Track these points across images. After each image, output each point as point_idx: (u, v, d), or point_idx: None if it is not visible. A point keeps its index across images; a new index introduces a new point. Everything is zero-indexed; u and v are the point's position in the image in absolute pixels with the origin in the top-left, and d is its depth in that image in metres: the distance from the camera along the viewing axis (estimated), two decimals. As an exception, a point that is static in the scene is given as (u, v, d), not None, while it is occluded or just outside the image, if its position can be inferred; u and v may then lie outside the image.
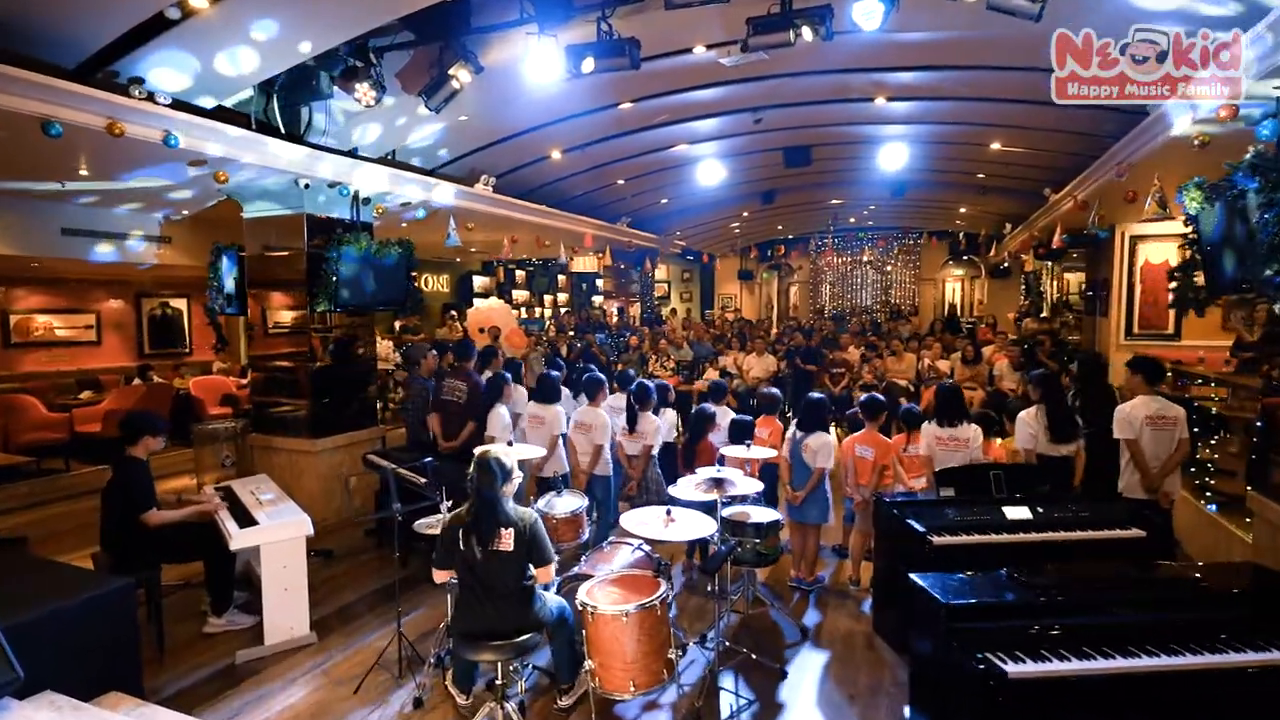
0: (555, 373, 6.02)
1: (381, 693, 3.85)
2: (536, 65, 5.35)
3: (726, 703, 3.70)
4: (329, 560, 5.74)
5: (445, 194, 7.74)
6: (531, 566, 3.23)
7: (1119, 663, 2.57)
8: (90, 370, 10.49)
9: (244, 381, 10.81)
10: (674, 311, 18.82)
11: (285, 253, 6.73)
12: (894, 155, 9.26)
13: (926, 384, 9.84)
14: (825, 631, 4.53)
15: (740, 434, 5.24)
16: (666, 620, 3.42)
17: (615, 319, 16.37)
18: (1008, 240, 13.96)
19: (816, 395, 5.39)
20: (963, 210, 14.45)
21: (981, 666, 2.54)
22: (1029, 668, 2.53)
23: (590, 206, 11.28)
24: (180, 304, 11.85)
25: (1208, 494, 5.57)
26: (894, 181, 11.62)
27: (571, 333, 13.24)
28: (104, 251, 8.34)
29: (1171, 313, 10.25)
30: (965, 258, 19.32)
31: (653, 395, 5.53)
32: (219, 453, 6.65)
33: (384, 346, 8.83)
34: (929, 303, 19.90)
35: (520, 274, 18.18)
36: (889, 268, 20.22)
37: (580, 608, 3.42)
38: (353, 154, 6.69)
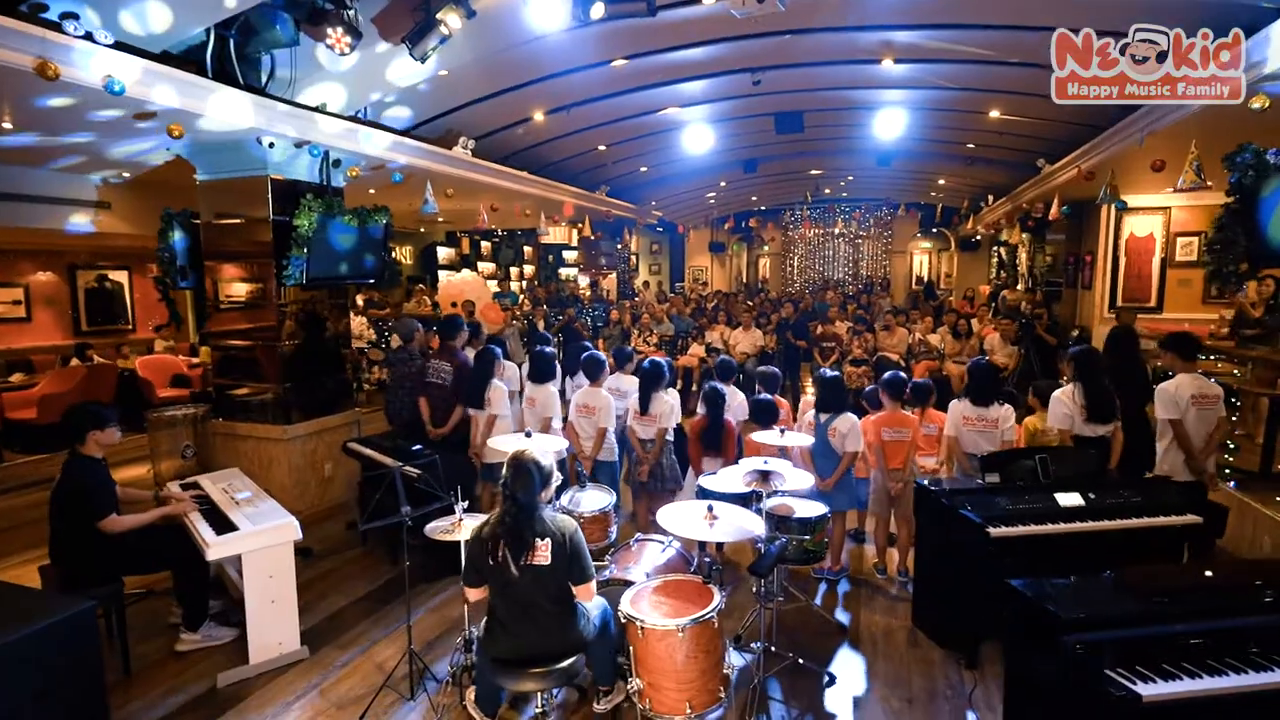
0: (550, 349, 5.57)
1: (392, 718, 3.43)
2: (537, 11, 4.82)
3: (777, 714, 3.40)
4: (309, 560, 5.22)
5: (422, 157, 7.11)
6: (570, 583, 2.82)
7: (1256, 678, 2.32)
8: (20, 350, 9.54)
9: (195, 361, 10.02)
10: (646, 284, 18.35)
11: (247, 220, 6.05)
12: (890, 122, 8.93)
13: (918, 358, 9.71)
14: (863, 627, 4.26)
15: (764, 416, 4.90)
16: (722, 633, 3.07)
17: (589, 292, 15.84)
18: (985, 212, 13.90)
19: (833, 373, 5.07)
20: (941, 181, 14.32)
21: (1113, 690, 2.25)
22: (1163, 689, 2.26)
23: (569, 174, 10.70)
24: (121, 276, 10.87)
25: (1227, 471, 5.49)
26: (881, 150, 11.33)
27: (545, 306, 12.71)
28: (31, 218, 7.45)
29: (1154, 285, 10.36)
30: (935, 230, 19.34)
31: (665, 374, 5.14)
32: (177, 442, 6.00)
33: (357, 323, 8.18)
34: (899, 275, 19.92)
35: (486, 245, 17.46)
36: (859, 239, 20.13)
37: (624, 621, 3.04)
38: (320, 110, 6.01)
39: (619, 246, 17.12)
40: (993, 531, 3.63)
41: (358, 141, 6.25)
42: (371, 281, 6.76)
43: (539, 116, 8.30)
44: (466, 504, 3.45)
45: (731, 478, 3.66)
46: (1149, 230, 10.16)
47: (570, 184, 10.67)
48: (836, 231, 19.81)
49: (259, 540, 3.75)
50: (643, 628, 2.94)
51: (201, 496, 4.34)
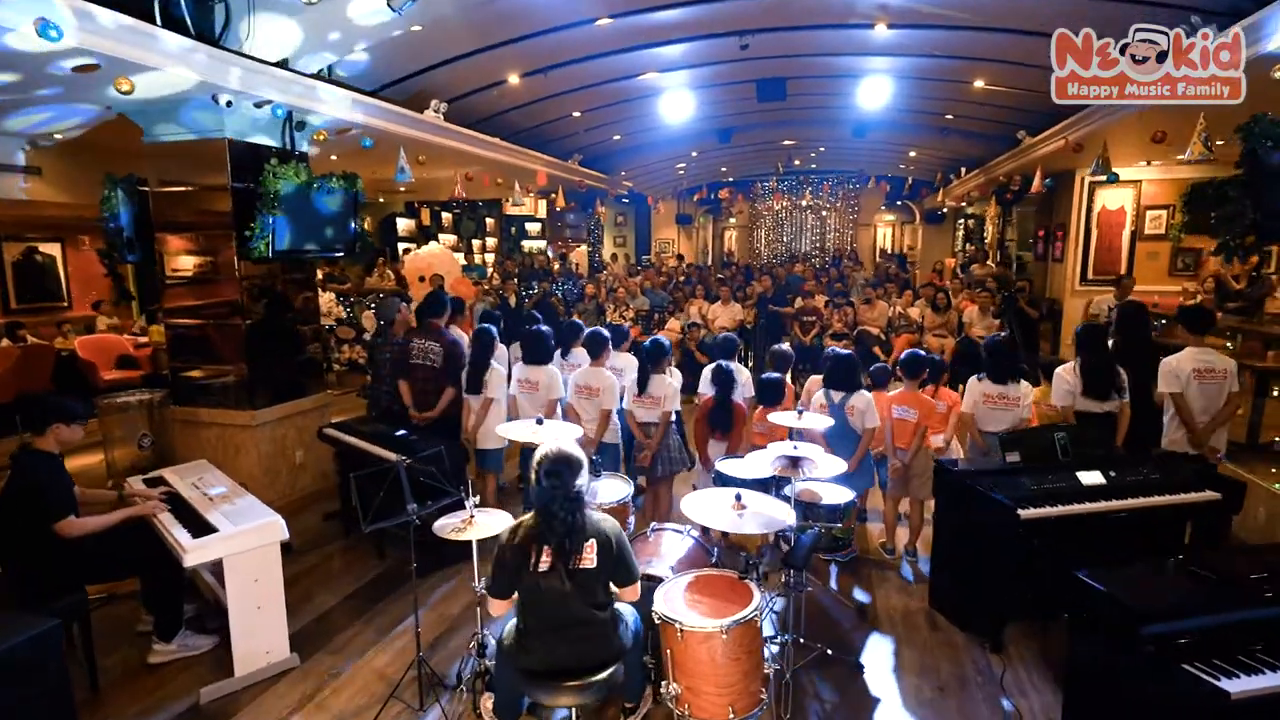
0: (546, 328, 5.26)
1: (400, 730, 3.17)
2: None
3: (813, 709, 3.26)
4: (289, 556, 4.84)
5: (393, 120, 6.63)
6: (614, 585, 2.59)
7: (1336, 668, 2.24)
8: (-58, 330, 8.73)
9: (143, 340, 9.35)
10: (614, 257, 17.98)
11: (203, 186, 5.53)
12: (873, 91, 8.74)
13: (898, 332, 9.69)
14: (881, 611, 4.15)
15: (771, 395, 4.72)
16: (761, 631, 2.89)
17: (557, 265, 15.41)
18: (955, 185, 13.92)
19: (844, 352, 4.92)
20: (912, 154, 14.26)
21: (1197, 686, 2.14)
22: (1250, 684, 2.16)
23: (540, 141, 10.24)
24: (53, 249, 10.03)
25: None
26: (858, 121, 11.16)
27: (516, 280, 12.28)
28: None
29: (1124, 258, 10.53)
30: (900, 203, 19.41)
31: (667, 353, 4.91)
32: (133, 430, 5.52)
33: (325, 300, 7.68)
34: (864, 248, 19.98)
35: (447, 216, 16.82)
36: (825, 212, 20.08)
37: (659, 622, 2.83)
38: (284, 66, 5.49)
39: (591, 217, 16.68)
40: (1023, 513, 3.53)
41: (325, 102, 5.76)
42: (340, 254, 6.29)
43: (515, 79, 7.85)
44: (477, 499, 3.16)
45: (755, 462, 3.46)
46: (1120, 203, 10.30)
47: (542, 152, 10.23)
48: (804, 204, 19.69)
49: (241, 542, 3.40)
50: (682, 630, 2.73)
51: (169, 494, 3.94)
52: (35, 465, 3.32)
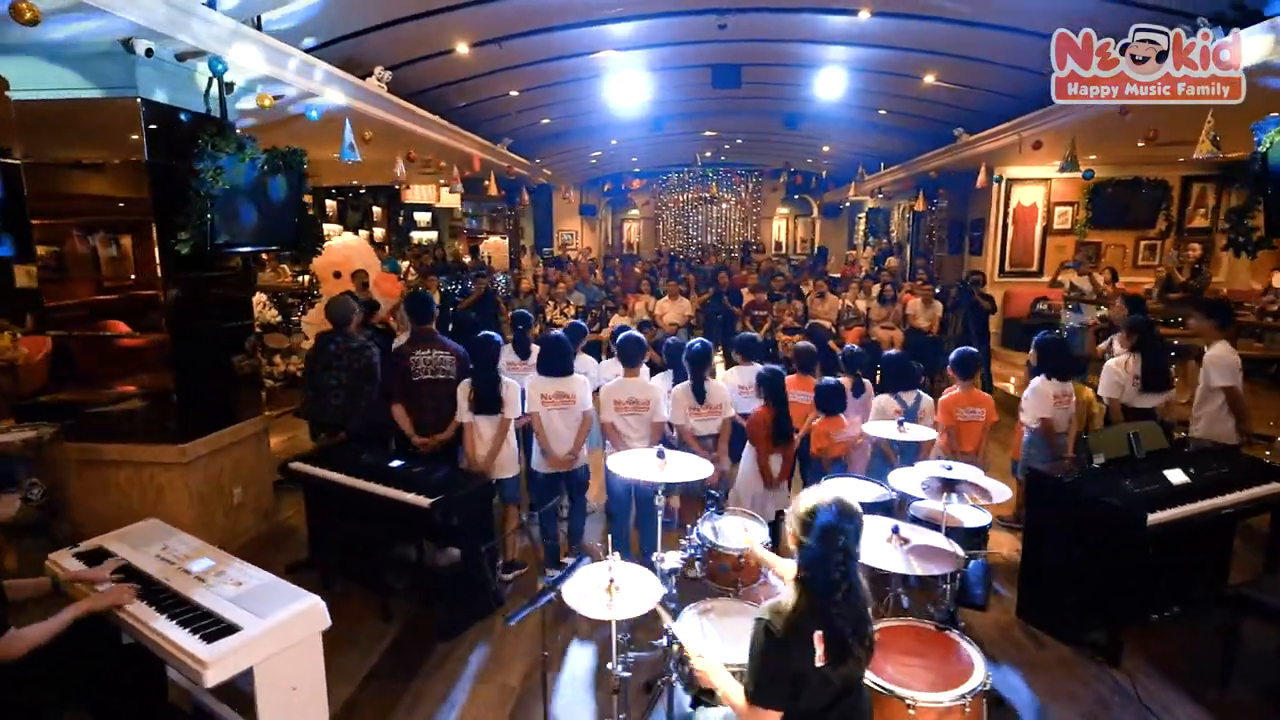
0: (562, 333, 4.57)
1: None
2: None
3: (984, 762, 2.90)
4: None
5: (347, 90, 5.62)
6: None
7: None
8: None
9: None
10: (524, 249, 17.01)
11: (103, 161, 4.29)
12: (830, 82, 8.62)
13: (848, 325, 9.71)
14: (975, 629, 3.87)
15: (832, 402, 4.34)
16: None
17: (469, 258, 14.28)
18: (869, 180, 14.29)
19: (896, 352, 4.65)
20: (826, 149, 14.49)
21: None
22: None
23: (473, 121, 9.25)
24: None
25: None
26: (791, 112, 11.09)
27: (436, 275, 11.12)
28: None
29: (1037, 251, 11.24)
30: (797, 196, 19.88)
31: (711, 358, 4.39)
32: (17, 478, 4.17)
33: (255, 301, 6.39)
34: (767, 241, 20.32)
35: (331, 204, 15.13)
36: (725, 205, 20.18)
37: (871, 691, 2.33)
38: (210, 5, 4.35)
39: (518, 207, 15.71)
40: (1151, 518, 3.38)
41: (261, 60, 4.67)
42: (283, 248, 5.19)
43: (465, 49, 6.92)
44: (618, 554, 2.48)
45: (909, 482, 3.04)
46: (1033, 200, 10.98)
47: (473, 133, 9.26)
48: (709, 196, 19.63)
49: (276, 640, 2.50)
50: (914, 706, 2.25)
51: (124, 570, 2.90)
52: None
